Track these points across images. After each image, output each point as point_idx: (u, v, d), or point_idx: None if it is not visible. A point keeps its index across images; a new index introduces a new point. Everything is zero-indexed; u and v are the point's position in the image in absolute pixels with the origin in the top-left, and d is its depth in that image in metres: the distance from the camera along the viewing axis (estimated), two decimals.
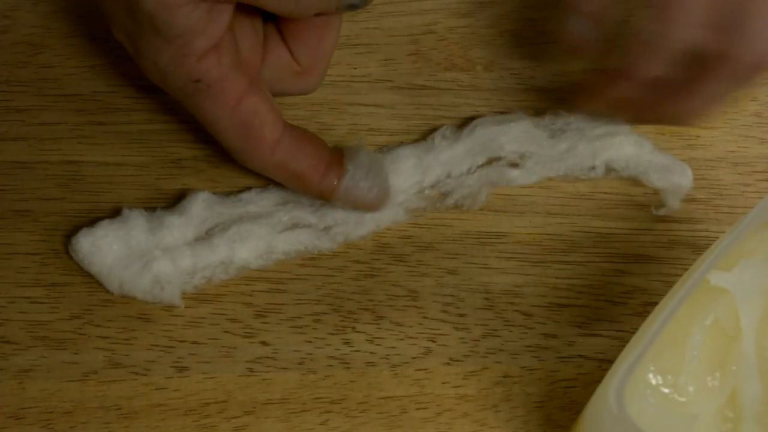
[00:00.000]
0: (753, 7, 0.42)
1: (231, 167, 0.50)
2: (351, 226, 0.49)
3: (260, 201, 0.49)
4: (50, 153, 0.50)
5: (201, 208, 0.48)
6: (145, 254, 0.47)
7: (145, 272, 0.47)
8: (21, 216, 0.49)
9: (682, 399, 0.40)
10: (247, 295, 0.48)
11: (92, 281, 0.47)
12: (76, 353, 0.46)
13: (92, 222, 0.48)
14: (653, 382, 0.40)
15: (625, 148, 0.50)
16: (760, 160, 0.51)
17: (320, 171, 0.46)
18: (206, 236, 0.48)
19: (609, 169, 0.50)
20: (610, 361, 0.39)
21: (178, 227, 0.48)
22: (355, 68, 0.53)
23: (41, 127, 0.51)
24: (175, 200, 0.49)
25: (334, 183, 0.47)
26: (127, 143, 0.51)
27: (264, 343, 0.47)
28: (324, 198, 0.47)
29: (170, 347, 0.47)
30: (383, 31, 0.53)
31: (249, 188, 0.49)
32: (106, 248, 0.47)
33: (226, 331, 0.47)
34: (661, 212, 0.50)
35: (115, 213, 0.48)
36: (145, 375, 0.46)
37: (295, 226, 0.49)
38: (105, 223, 0.48)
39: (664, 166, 0.50)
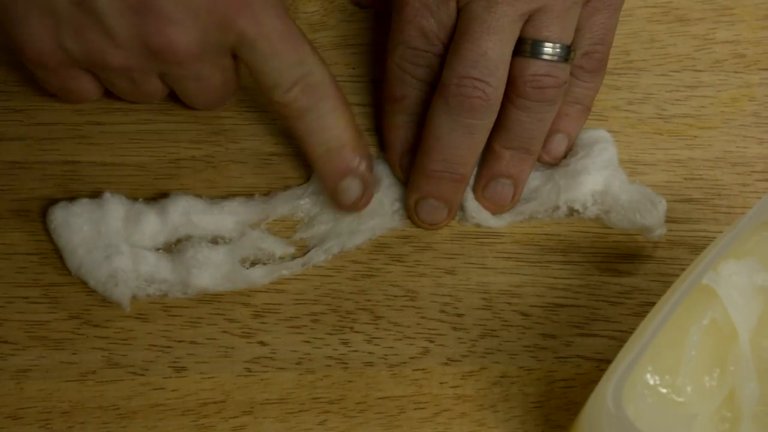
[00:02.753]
0: None
1: (229, 169, 0.50)
2: (345, 237, 0.49)
3: (242, 212, 0.49)
4: (48, 153, 0.50)
5: (179, 214, 0.48)
6: (112, 245, 0.47)
7: (106, 263, 0.46)
8: (19, 216, 0.49)
9: (680, 399, 0.40)
10: (245, 295, 0.48)
11: None
12: (74, 353, 0.46)
13: (73, 198, 0.48)
14: (651, 382, 0.40)
15: (590, 186, 0.49)
16: (759, 160, 0.51)
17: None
18: (174, 247, 0.48)
19: (572, 211, 0.49)
20: (608, 361, 0.39)
21: (152, 227, 0.48)
22: (353, 68, 0.53)
23: (39, 127, 0.51)
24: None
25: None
26: (125, 143, 0.51)
27: (262, 343, 0.47)
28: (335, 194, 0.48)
29: (168, 347, 0.47)
30: (381, 31, 0.53)
31: (234, 197, 0.49)
32: (77, 227, 0.47)
33: (224, 331, 0.47)
34: (646, 239, 0.49)
35: (97, 194, 0.48)
36: (143, 375, 0.46)
37: (257, 259, 0.49)
38: (84, 201, 0.48)
39: (631, 204, 0.48)
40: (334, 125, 0.47)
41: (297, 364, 0.47)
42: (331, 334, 0.47)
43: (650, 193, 0.49)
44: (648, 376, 0.40)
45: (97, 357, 0.46)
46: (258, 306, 0.48)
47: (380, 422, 0.46)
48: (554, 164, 0.50)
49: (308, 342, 0.47)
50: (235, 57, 0.46)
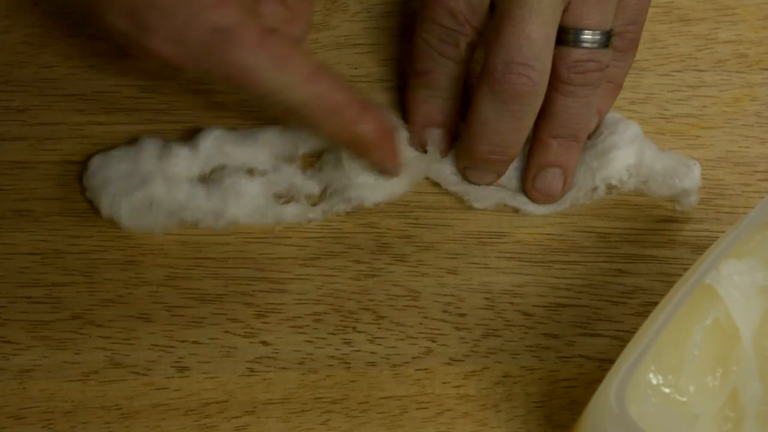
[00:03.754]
0: None
1: None
2: (367, 190, 0.49)
3: (276, 144, 0.49)
4: (51, 153, 0.50)
5: (211, 146, 0.49)
6: (148, 175, 0.48)
7: (140, 190, 0.47)
8: (22, 216, 0.49)
9: (683, 399, 0.40)
10: (247, 294, 0.48)
11: (93, 281, 0.48)
12: (76, 353, 0.46)
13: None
14: (654, 381, 0.40)
15: (623, 161, 0.49)
16: (761, 159, 0.51)
17: (356, 107, 0.46)
18: (208, 177, 0.49)
19: (610, 187, 0.49)
20: (611, 361, 0.39)
21: (185, 159, 0.48)
22: (356, 68, 0.53)
23: (42, 127, 0.51)
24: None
25: (370, 127, 0.46)
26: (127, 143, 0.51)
27: (264, 343, 0.47)
28: (358, 144, 0.47)
29: (171, 347, 0.47)
30: (384, 31, 0.53)
31: (270, 125, 0.50)
32: (113, 165, 0.48)
33: (227, 331, 0.47)
34: (679, 209, 0.49)
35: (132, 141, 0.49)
36: (146, 375, 0.46)
37: (291, 196, 0.49)
38: (122, 146, 0.49)
39: (666, 170, 0.49)
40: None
41: (299, 363, 0.47)
42: (333, 333, 0.47)
43: (682, 158, 0.49)
44: (651, 375, 0.40)
45: (99, 357, 0.46)
46: (260, 306, 0.48)
47: (383, 422, 0.46)
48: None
49: (311, 342, 0.47)
50: None
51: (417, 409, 0.46)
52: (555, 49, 0.46)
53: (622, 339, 0.47)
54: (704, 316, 0.41)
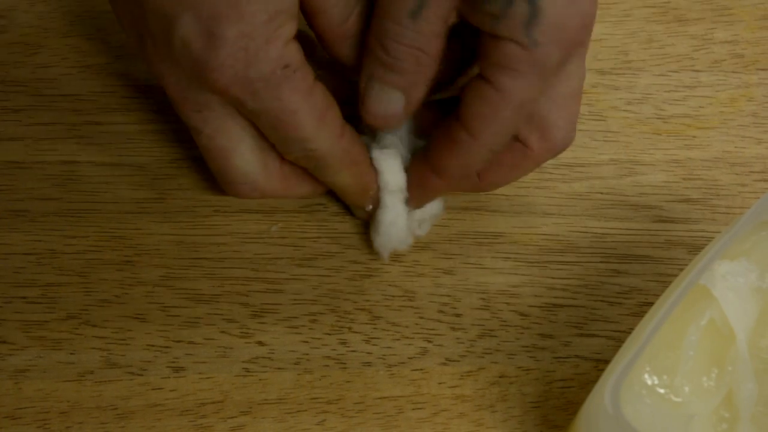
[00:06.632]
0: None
1: None
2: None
3: None
4: (47, 153, 0.50)
5: None
6: None
7: None
8: (17, 216, 0.49)
9: (678, 399, 0.40)
10: (243, 295, 0.48)
11: (89, 281, 0.48)
12: (72, 353, 0.46)
13: None
14: (649, 382, 0.40)
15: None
16: (757, 160, 0.51)
17: (367, 160, 0.47)
18: None
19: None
20: (607, 362, 0.39)
21: None
22: None
23: (38, 127, 0.51)
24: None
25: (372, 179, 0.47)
26: (123, 143, 0.51)
27: (260, 343, 0.47)
28: (362, 199, 0.48)
29: (166, 347, 0.47)
30: None
31: None
32: None
33: (223, 332, 0.47)
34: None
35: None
36: (142, 375, 0.46)
37: None
38: None
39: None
40: None
41: (295, 364, 0.47)
42: (329, 334, 0.47)
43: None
44: (646, 376, 0.40)
45: (95, 357, 0.46)
46: (256, 306, 0.48)
47: (378, 422, 0.46)
48: None
49: (306, 342, 0.47)
50: None
51: (413, 409, 0.46)
52: None
53: (618, 339, 0.47)
54: (699, 316, 0.41)
